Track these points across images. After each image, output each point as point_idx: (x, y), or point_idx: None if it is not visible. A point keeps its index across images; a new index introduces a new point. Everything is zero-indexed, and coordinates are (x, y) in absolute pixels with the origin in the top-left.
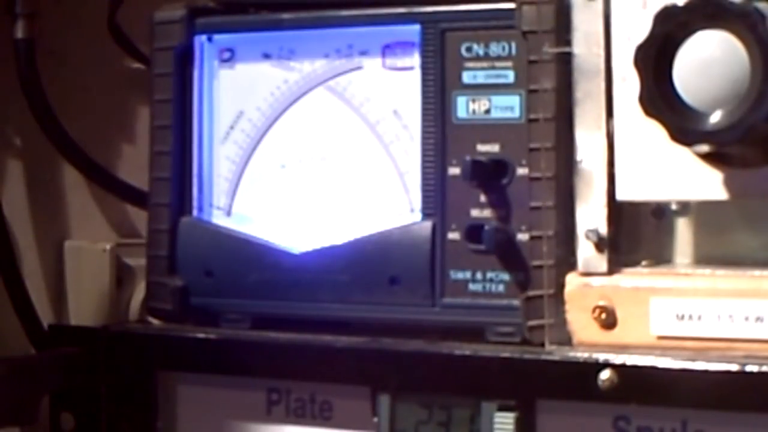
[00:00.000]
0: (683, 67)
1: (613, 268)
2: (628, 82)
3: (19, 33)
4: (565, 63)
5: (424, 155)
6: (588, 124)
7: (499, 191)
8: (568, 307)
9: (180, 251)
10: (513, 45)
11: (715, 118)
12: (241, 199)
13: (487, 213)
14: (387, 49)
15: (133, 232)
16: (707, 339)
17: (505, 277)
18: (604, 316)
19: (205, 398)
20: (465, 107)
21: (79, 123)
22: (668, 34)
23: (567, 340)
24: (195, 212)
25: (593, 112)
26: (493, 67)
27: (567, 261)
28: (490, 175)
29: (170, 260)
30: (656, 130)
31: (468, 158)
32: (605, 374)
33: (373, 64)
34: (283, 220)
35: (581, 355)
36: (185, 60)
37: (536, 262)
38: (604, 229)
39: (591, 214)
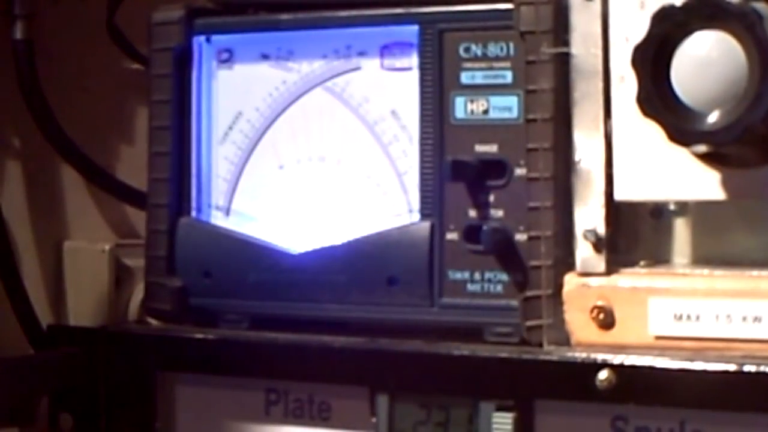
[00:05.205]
0: (681, 68)
1: (612, 269)
2: (626, 83)
3: (18, 34)
4: (563, 63)
5: (422, 156)
6: (586, 124)
7: (497, 191)
8: (566, 307)
9: (178, 252)
10: (511, 45)
11: (713, 118)
12: (239, 200)
13: (485, 213)
14: (385, 50)
15: (132, 232)
16: (705, 339)
17: (504, 277)
18: (602, 316)
19: (203, 398)
20: (463, 108)
21: (77, 124)
22: (666, 35)
23: (565, 341)
24: (194, 213)
25: (591, 112)
26: (492, 68)
27: (565, 261)
28: (477, 175)
29: (169, 261)
30: (654, 130)
31: (449, 159)
32: (603, 374)
33: (371, 64)
34: (282, 220)
35: (579, 355)
36: (184, 61)
37: (534, 263)
38: (602, 229)
39: (589, 214)
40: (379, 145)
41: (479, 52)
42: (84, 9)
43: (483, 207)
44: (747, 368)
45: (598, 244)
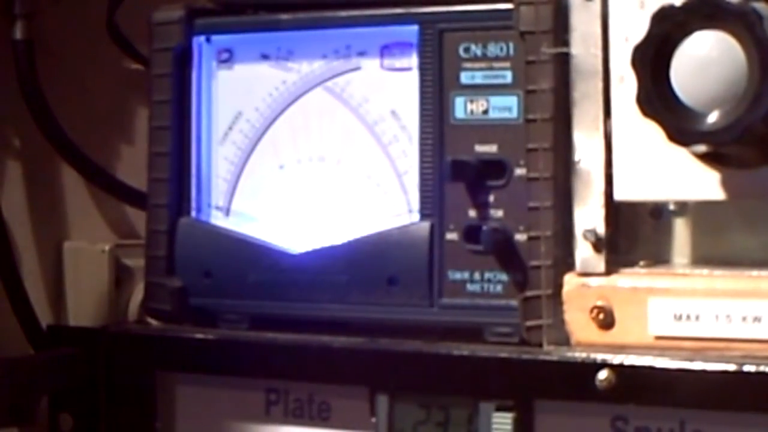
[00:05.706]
0: (681, 68)
1: (611, 269)
2: (625, 83)
3: (18, 34)
4: (562, 63)
5: (422, 156)
6: (586, 124)
7: (496, 191)
8: (566, 307)
9: (178, 252)
10: (511, 45)
11: (713, 118)
12: (239, 200)
13: (485, 213)
14: (385, 50)
15: (132, 232)
16: (705, 339)
17: (503, 277)
18: (602, 316)
19: (203, 398)
20: (463, 108)
21: (77, 124)
22: (666, 35)
23: (565, 341)
24: (194, 213)
25: (591, 112)
26: (491, 68)
27: (565, 261)
28: (477, 175)
29: (169, 261)
30: (654, 130)
31: (449, 159)
32: (603, 374)
33: (371, 64)
34: (282, 220)
35: (579, 355)
36: (184, 61)
37: (534, 263)
38: (601, 229)
39: (589, 214)
40: (379, 145)
41: (479, 52)
42: (84, 9)
43: (483, 207)
44: (747, 368)
45: (598, 244)
